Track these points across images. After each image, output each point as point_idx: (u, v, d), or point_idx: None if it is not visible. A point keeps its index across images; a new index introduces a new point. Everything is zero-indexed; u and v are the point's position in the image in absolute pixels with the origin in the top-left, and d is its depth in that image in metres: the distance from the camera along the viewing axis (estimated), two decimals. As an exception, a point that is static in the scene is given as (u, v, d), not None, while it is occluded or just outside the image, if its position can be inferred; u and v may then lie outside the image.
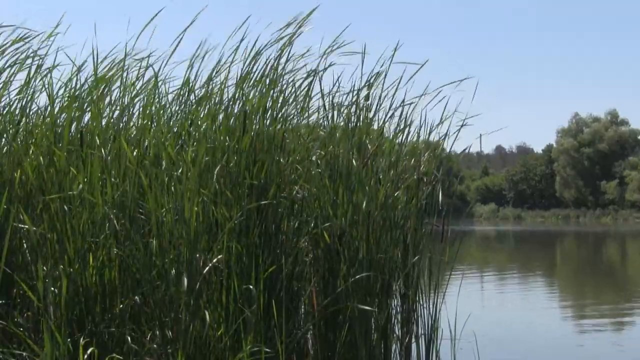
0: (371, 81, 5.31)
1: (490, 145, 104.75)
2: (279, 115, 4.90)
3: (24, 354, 3.84)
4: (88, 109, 4.83)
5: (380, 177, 5.13)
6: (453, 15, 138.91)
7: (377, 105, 5.41)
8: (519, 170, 75.94)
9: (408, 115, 5.49)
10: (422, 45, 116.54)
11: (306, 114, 5.34)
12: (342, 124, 5.29)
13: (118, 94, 5.05)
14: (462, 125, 5.44)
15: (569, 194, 69.96)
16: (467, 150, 5.77)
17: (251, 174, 4.51)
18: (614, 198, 65.44)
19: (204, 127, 4.72)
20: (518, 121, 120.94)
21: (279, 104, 4.93)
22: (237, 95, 4.80)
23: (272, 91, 4.83)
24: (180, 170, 4.28)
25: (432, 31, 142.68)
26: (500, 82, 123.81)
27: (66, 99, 4.93)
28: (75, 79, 4.98)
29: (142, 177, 4.20)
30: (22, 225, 4.23)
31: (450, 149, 5.80)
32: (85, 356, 3.76)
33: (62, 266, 4.03)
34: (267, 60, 4.87)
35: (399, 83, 5.36)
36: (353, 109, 5.28)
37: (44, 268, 4.00)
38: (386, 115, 5.47)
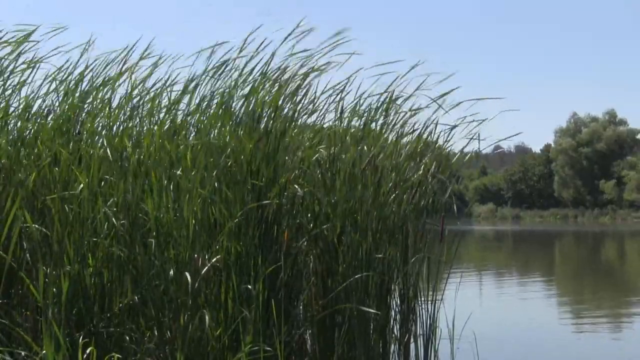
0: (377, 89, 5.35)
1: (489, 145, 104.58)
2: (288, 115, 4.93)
3: (23, 353, 3.84)
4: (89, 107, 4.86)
5: (380, 177, 5.13)
6: (452, 15, 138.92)
7: (382, 109, 5.43)
8: (517, 170, 75.94)
9: (412, 119, 5.53)
10: (421, 44, 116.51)
11: (314, 115, 5.36)
12: (351, 129, 5.32)
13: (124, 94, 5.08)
14: (465, 122, 5.45)
15: (567, 193, 69.98)
16: (476, 151, 5.75)
17: (253, 173, 4.51)
18: (612, 198, 65.47)
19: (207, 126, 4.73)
20: (516, 121, 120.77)
21: (289, 105, 4.97)
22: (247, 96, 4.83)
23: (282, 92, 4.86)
24: (179, 170, 4.28)
25: (432, 31, 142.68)
26: (499, 81, 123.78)
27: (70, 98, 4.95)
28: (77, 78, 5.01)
29: (154, 177, 4.18)
30: (28, 225, 4.22)
31: (451, 149, 5.81)
32: (85, 356, 3.75)
33: (62, 266, 4.03)
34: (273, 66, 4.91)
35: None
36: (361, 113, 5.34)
37: (44, 267, 4.00)
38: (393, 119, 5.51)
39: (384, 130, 5.45)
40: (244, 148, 4.49)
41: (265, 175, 4.53)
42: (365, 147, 5.09)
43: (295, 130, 5.11)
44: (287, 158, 4.77)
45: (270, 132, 4.62)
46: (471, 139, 5.41)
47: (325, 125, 5.45)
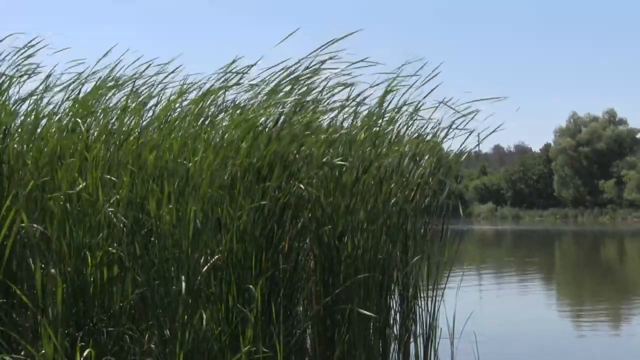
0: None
1: (489, 145, 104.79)
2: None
3: (22, 353, 3.84)
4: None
5: (382, 177, 5.13)
6: (452, 15, 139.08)
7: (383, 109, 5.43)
8: (517, 169, 75.90)
9: (411, 117, 5.52)
10: (421, 45, 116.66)
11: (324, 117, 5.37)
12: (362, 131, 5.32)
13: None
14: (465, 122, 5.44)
15: (567, 193, 69.92)
16: (475, 150, 5.75)
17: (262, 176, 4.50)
18: (612, 197, 65.40)
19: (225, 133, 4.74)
20: (516, 121, 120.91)
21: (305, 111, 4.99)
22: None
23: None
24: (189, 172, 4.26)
25: (432, 31, 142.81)
26: (499, 81, 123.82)
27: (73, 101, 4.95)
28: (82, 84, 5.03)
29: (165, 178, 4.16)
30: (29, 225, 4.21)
31: (450, 148, 5.81)
32: (83, 357, 3.75)
33: (60, 266, 4.03)
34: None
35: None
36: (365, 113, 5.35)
37: (42, 266, 3.99)
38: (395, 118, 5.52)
39: (386, 131, 5.44)
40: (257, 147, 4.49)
41: (275, 177, 4.52)
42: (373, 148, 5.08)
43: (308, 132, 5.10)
44: (296, 156, 4.75)
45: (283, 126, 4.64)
46: (483, 141, 5.40)
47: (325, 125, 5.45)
